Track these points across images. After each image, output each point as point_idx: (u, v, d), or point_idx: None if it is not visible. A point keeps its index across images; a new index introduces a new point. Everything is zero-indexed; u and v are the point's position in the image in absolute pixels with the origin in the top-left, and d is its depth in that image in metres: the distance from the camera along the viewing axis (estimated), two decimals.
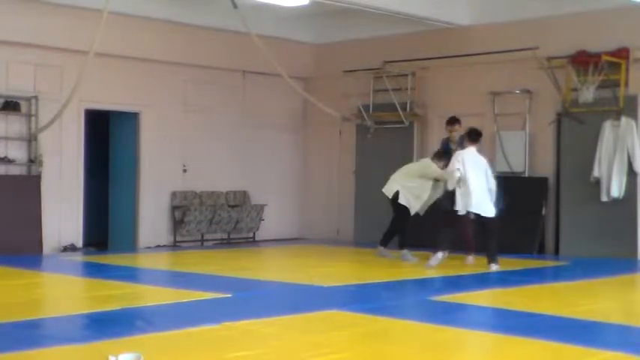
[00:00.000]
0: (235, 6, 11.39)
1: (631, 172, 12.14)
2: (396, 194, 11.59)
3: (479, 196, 10.66)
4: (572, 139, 12.74)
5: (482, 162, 10.84)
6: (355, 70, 14.72)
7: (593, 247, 12.31)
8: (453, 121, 11.96)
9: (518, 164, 13.17)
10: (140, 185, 13.85)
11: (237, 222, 14.64)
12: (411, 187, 11.58)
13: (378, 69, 14.44)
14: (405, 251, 11.65)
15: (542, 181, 13.04)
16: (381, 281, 9.56)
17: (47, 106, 12.30)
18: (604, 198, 12.21)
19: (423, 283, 9.70)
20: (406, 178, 11.68)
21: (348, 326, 6.77)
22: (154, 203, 13.93)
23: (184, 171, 14.35)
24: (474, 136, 11.04)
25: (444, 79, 14.12)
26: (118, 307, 7.40)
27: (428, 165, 11.66)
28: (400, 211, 11.62)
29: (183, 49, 13.94)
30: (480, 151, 11.06)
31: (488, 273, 10.47)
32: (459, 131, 11.83)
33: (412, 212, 11.57)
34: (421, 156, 13.74)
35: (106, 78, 13.12)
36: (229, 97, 14.92)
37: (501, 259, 11.69)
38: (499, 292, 8.81)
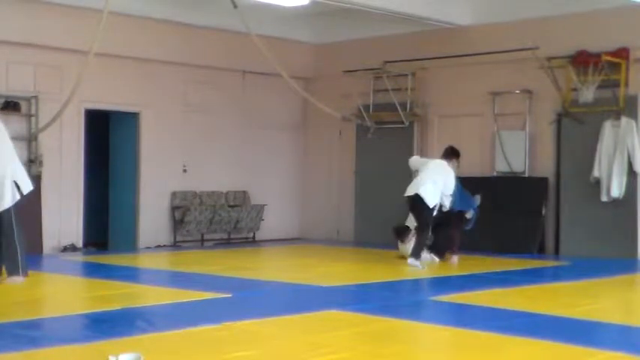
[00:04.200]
0: (235, 6, 11.38)
1: (631, 172, 12.13)
2: None
3: None
4: (572, 139, 12.74)
5: None
6: (355, 70, 14.70)
7: (593, 247, 12.31)
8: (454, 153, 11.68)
9: (518, 164, 13.16)
10: (140, 185, 13.84)
11: (237, 222, 14.64)
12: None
13: (378, 69, 14.42)
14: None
15: (542, 181, 13.03)
16: (381, 281, 9.55)
17: (47, 106, 12.29)
18: (604, 198, 12.21)
19: (423, 283, 9.70)
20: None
21: (348, 326, 6.76)
22: (153, 203, 13.92)
23: (184, 171, 14.35)
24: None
25: (444, 79, 14.11)
26: (118, 307, 7.40)
27: None
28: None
29: (183, 49, 13.94)
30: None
31: (488, 273, 10.47)
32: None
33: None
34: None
35: (106, 78, 13.12)
36: (229, 97, 14.91)
37: (501, 259, 11.76)
38: (499, 292, 8.79)
